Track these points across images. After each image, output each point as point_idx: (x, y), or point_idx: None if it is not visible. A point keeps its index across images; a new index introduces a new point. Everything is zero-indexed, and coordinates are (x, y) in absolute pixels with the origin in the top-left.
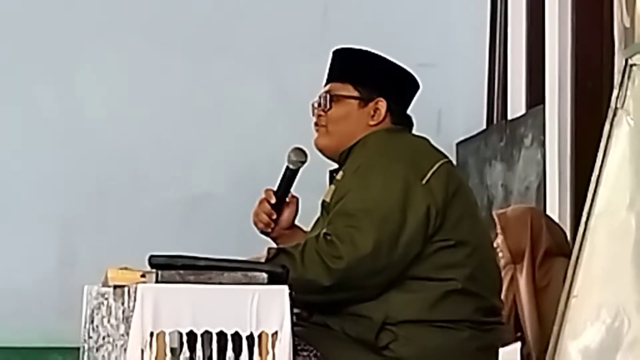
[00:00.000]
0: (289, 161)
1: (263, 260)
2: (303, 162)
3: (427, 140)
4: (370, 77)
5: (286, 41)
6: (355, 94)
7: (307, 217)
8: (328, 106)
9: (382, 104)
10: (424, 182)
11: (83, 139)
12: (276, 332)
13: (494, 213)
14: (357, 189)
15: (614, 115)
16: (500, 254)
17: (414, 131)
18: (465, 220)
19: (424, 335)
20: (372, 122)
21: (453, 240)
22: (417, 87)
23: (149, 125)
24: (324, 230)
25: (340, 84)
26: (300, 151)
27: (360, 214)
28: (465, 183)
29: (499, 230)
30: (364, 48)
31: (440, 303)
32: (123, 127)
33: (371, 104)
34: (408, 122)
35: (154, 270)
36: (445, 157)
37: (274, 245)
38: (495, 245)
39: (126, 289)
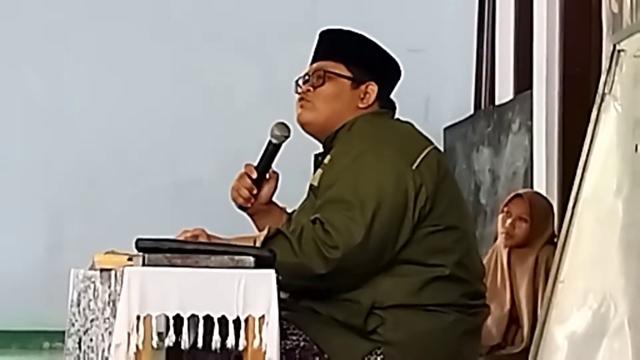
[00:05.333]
0: (272, 135)
1: (263, 237)
2: (286, 137)
3: (413, 125)
4: (363, 59)
5: (275, 27)
6: (349, 74)
7: (291, 200)
8: (321, 82)
9: (373, 88)
10: (414, 167)
11: (70, 125)
12: (263, 316)
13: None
14: (348, 176)
15: (602, 100)
16: (502, 235)
17: (400, 116)
18: (453, 206)
19: (411, 319)
20: (361, 105)
21: (442, 225)
22: (400, 75)
23: (137, 111)
24: (317, 216)
25: (333, 63)
26: (283, 126)
27: (354, 202)
28: (451, 170)
29: (519, 213)
30: (357, 30)
31: (426, 288)
32: (110, 113)
33: (362, 87)
34: (392, 108)
35: (140, 253)
36: (432, 142)
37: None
38: (503, 226)
39: (113, 272)
